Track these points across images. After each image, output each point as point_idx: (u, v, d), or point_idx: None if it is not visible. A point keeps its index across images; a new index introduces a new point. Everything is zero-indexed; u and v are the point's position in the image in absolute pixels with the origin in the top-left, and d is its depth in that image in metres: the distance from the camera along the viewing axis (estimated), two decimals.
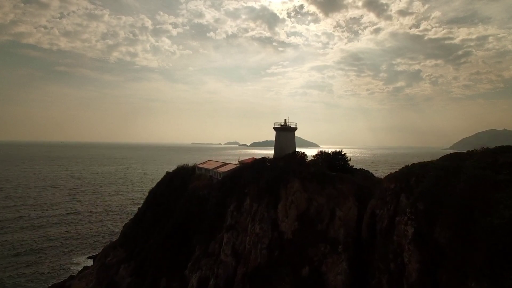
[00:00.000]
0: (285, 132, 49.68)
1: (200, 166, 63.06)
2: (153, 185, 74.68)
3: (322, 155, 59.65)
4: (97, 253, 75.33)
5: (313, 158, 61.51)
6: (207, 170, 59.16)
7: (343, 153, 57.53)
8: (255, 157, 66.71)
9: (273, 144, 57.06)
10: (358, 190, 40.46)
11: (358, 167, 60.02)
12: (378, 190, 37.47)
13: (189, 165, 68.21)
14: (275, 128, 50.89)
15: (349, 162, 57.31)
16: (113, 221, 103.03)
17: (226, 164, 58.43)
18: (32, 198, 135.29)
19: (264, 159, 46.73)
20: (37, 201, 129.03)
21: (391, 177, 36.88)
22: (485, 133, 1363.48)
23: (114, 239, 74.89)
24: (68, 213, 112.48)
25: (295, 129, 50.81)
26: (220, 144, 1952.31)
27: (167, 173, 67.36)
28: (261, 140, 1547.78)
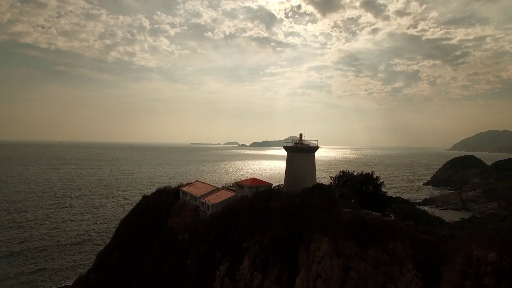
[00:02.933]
0: (301, 154, 33.88)
1: (185, 189, 48.46)
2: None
3: (345, 177, 45.50)
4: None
5: (331, 181, 47.34)
6: (193, 197, 44.62)
7: (374, 176, 43.21)
8: (256, 178, 52.33)
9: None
10: (417, 247, 26.16)
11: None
12: (459, 257, 23.23)
13: (173, 186, 53.80)
14: (286, 148, 35.14)
15: (382, 187, 43.02)
16: (91, 246, 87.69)
17: (218, 190, 43.85)
18: (14, 211, 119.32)
19: (270, 193, 32.03)
20: (16, 216, 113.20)
21: (486, 238, 22.64)
22: (485, 133, 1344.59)
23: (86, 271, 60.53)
24: (45, 233, 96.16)
25: (316, 149, 34.91)
26: (219, 144, 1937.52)
27: (144, 197, 52.63)
28: (260, 141, 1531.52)
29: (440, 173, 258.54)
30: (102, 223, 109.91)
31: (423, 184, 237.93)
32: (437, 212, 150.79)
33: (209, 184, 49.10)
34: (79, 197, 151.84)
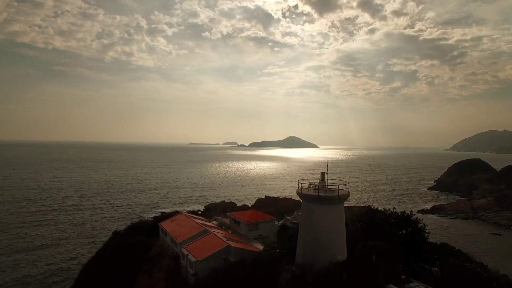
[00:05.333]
0: (324, 207, 21.48)
1: (165, 227, 37.91)
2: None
3: (372, 215, 34.93)
4: None
5: (353, 218, 36.92)
6: (173, 241, 34.13)
7: (413, 217, 32.56)
8: (255, 211, 41.97)
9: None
10: None
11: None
12: None
13: (151, 217, 43.35)
14: (301, 195, 22.82)
15: (426, 231, 32.13)
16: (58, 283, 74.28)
17: (205, 233, 33.21)
18: None
19: (277, 264, 21.45)
20: None
21: None
22: (485, 134, 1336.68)
23: None
24: (16, 259, 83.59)
25: (347, 197, 22.59)
26: (218, 144, 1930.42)
27: (114, 235, 42.03)
28: (259, 141, 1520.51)
29: (445, 177, 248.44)
30: (86, 245, 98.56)
31: (427, 189, 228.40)
32: (447, 221, 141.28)
33: (194, 220, 38.39)
34: (67, 208, 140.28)
